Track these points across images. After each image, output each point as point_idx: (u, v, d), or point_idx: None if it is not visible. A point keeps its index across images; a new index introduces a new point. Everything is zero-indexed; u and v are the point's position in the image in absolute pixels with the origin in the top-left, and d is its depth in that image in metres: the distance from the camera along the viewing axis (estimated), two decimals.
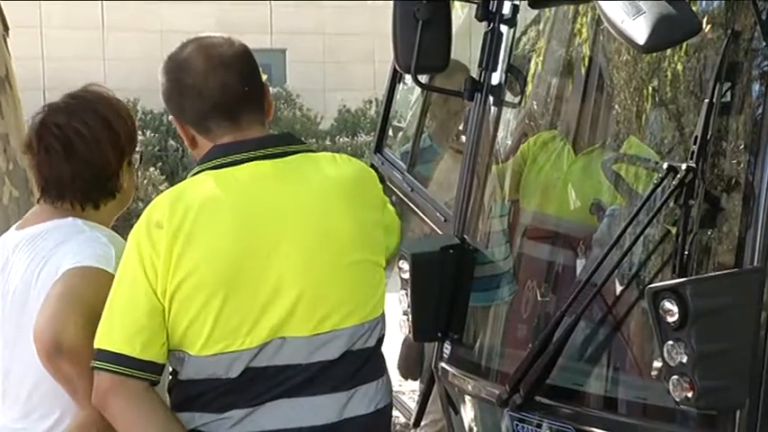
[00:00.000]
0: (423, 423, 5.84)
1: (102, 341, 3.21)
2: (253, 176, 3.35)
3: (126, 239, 3.41)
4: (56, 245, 3.39)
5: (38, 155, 3.58)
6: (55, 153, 3.50)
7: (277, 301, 3.30)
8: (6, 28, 8.01)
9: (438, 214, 5.21)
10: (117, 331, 3.20)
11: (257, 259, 3.29)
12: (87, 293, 3.29)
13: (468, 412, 4.92)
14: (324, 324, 3.39)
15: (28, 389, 3.44)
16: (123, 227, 3.66)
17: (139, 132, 16.73)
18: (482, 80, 5.06)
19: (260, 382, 3.31)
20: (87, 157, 3.47)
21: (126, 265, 3.25)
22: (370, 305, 3.53)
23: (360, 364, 3.49)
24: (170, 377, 3.46)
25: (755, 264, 3.87)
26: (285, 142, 3.51)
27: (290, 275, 3.31)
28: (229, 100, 3.43)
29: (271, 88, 21.29)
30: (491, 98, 5.08)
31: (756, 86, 4.05)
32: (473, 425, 4.89)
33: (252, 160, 3.38)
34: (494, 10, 4.96)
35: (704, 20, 4.23)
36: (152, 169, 18.09)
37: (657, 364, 3.98)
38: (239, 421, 3.29)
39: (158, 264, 3.19)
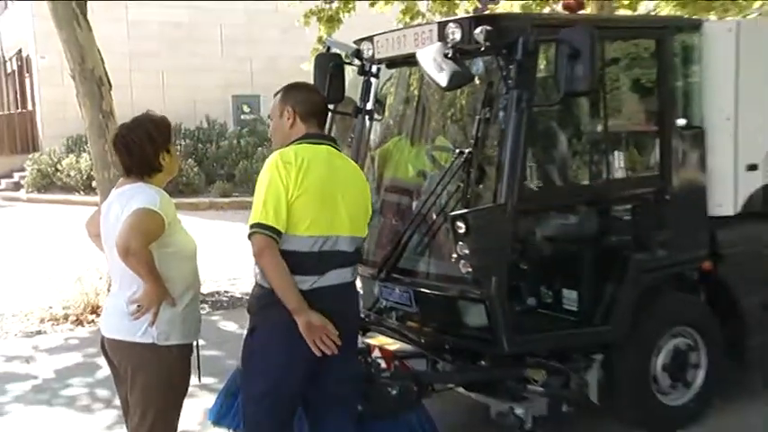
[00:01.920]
0: None
1: (258, 218, 3.21)
2: (326, 151, 3.41)
3: (167, 195, 3.42)
4: (129, 197, 3.33)
5: (115, 152, 3.55)
6: (121, 152, 3.47)
7: (338, 214, 3.35)
8: (110, 85, 7.83)
9: None
10: (269, 213, 3.19)
11: (331, 190, 3.33)
12: (142, 222, 3.24)
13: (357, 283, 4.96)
14: (356, 231, 3.45)
15: (120, 274, 3.39)
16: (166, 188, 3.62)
17: (181, 140, 16.22)
18: (362, 107, 5.10)
19: (325, 260, 3.31)
20: (137, 155, 3.41)
21: (270, 181, 3.23)
22: (366, 226, 3.61)
23: (359, 255, 3.58)
24: None
25: (500, 201, 4.00)
26: (334, 140, 3.59)
27: (342, 202, 3.36)
28: (324, 115, 3.59)
29: (252, 116, 20.65)
30: (366, 116, 5.12)
31: (501, 111, 4.11)
32: (360, 290, 4.94)
33: (323, 144, 3.44)
34: (367, 70, 4.99)
35: (476, 75, 4.34)
36: (189, 160, 17.67)
37: (454, 255, 4.02)
38: (315, 282, 3.29)
39: (290, 182, 3.20)
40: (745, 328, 4.89)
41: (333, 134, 6.17)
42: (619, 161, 4.61)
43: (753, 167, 4.82)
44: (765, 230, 4.98)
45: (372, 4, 12.30)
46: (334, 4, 11.85)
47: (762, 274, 4.94)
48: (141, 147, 3.43)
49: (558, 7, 4.83)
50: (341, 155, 3.57)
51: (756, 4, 14.56)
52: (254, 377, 3.42)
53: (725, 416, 4.81)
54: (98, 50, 7.87)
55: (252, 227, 3.24)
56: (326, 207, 3.32)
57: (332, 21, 11.66)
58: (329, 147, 3.46)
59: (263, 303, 3.35)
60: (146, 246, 3.23)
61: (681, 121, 4.70)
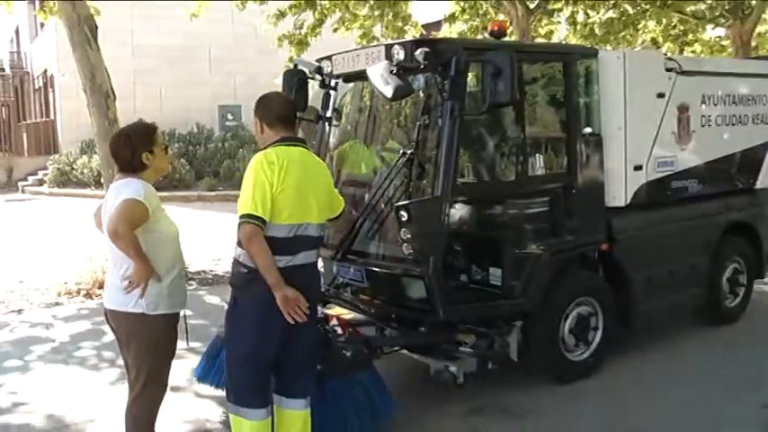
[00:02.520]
0: None
1: (246, 209, 3.12)
2: (298, 152, 3.30)
3: (152, 188, 3.31)
4: (120, 190, 3.23)
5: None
6: (112, 156, 3.39)
7: (309, 204, 3.26)
8: (114, 97, 7.75)
9: None
10: (257, 205, 3.10)
11: (305, 186, 3.24)
12: (128, 210, 3.15)
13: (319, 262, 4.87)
14: (322, 218, 3.37)
15: (114, 255, 3.27)
16: (162, 183, 3.51)
17: (175, 144, 16.07)
18: (322, 115, 4.99)
19: (297, 243, 3.24)
20: (120, 158, 3.33)
21: (256, 178, 3.14)
22: (332, 207, 3.53)
23: (322, 239, 3.49)
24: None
25: (437, 194, 3.94)
26: (304, 141, 3.47)
27: (312, 195, 3.28)
28: (288, 118, 3.40)
29: (235, 122, 20.73)
30: (326, 123, 5.00)
31: (438, 116, 4.05)
32: (321, 269, 4.86)
33: (296, 146, 3.33)
34: (327, 84, 4.90)
35: (417, 88, 4.27)
36: (182, 160, 17.45)
37: (399, 239, 3.96)
38: (288, 261, 3.21)
39: (274, 179, 3.12)
40: (633, 298, 4.92)
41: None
42: (535, 161, 4.59)
43: (638, 168, 4.84)
44: (648, 218, 5.01)
45: (335, 30, 12.20)
46: (303, 30, 11.76)
47: (646, 253, 4.98)
48: (119, 149, 3.35)
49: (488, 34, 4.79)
50: (311, 154, 3.47)
51: (640, 40, 15.16)
52: (237, 342, 3.31)
53: (615, 367, 4.87)
54: (105, 68, 7.78)
55: (242, 217, 3.15)
56: (301, 199, 3.23)
57: (301, 44, 11.56)
58: (301, 148, 3.35)
59: (246, 279, 3.25)
60: (131, 230, 3.13)
61: (587, 129, 4.68)
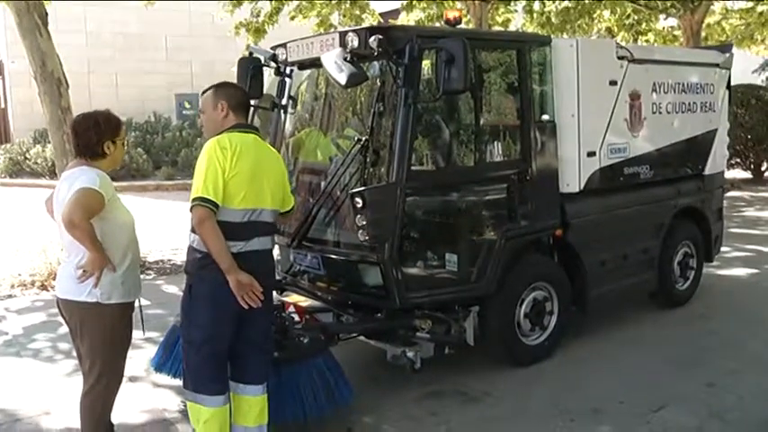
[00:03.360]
0: None
1: (199, 192, 3.11)
2: (252, 139, 3.31)
3: (108, 177, 3.29)
4: (74, 179, 3.20)
5: (70, 137, 3.43)
6: (72, 135, 3.35)
7: (263, 190, 3.26)
8: (67, 85, 7.55)
9: None
10: (209, 189, 3.10)
11: (259, 171, 3.24)
12: (84, 199, 3.12)
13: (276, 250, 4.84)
14: (275, 205, 3.36)
15: (68, 244, 3.26)
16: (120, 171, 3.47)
17: (132, 133, 15.72)
18: (278, 102, 4.95)
19: (251, 229, 3.23)
20: (85, 141, 3.29)
21: (209, 163, 3.13)
22: (284, 201, 3.50)
23: (275, 226, 3.49)
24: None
25: (392, 180, 3.94)
26: (258, 129, 3.47)
27: (265, 181, 3.28)
28: (247, 108, 3.48)
29: (192, 111, 20.27)
30: (282, 110, 4.97)
31: (392, 104, 4.04)
32: (277, 256, 4.78)
33: (250, 133, 3.33)
34: (282, 71, 4.85)
35: (372, 74, 4.25)
36: (138, 149, 17.14)
37: (354, 226, 3.94)
38: (242, 247, 3.20)
39: (226, 164, 3.12)
40: (587, 283, 5.00)
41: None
42: (489, 148, 4.61)
43: (592, 154, 4.89)
44: (602, 204, 5.08)
45: (293, 18, 12.12)
46: (261, 18, 11.65)
47: (599, 238, 5.05)
48: (87, 131, 3.31)
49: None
50: (264, 142, 3.47)
51: (595, 29, 15.42)
52: (193, 328, 3.30)
53: (570, 350, 4.95)
54: (57, 56, 7.54)
55: (194, 200, 3.14)
56: (254, 185, 3.23)
57: (258, 32, 11.46)
58: (255, 135, 3.35)
59: (200, 265, 3.23)
60: (86, 219, 3.10)
61: (545, 117, 4.72)
